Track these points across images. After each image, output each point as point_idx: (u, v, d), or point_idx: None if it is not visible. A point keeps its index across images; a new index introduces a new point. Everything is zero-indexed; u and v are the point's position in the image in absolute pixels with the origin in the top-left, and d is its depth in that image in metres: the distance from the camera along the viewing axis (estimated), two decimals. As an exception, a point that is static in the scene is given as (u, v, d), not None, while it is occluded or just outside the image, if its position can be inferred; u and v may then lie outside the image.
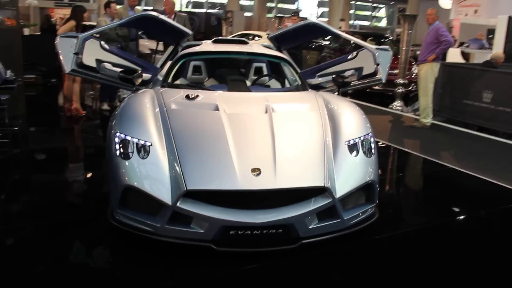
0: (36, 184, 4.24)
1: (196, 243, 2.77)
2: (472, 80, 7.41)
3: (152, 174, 2.86)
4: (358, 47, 4.86)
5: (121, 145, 2.99)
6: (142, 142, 2.98)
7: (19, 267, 2.67)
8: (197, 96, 3.60)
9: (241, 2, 25.17)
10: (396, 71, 8.67)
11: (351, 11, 29.43)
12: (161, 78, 4.29)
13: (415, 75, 9.41)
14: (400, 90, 8.65)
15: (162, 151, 2.94)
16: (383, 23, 33.87)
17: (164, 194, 2.75)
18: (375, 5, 32.93)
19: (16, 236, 3.10)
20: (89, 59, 4.25)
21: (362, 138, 3.25)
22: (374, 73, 4.55)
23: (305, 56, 11.60)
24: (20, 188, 4.07)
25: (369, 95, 9.39)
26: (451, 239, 3.32)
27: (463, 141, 6.54)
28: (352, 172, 3.06)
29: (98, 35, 5.18)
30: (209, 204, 2.74)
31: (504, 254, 3.12)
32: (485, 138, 6.64)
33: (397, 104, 8.63)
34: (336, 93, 4.33)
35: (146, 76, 4.48)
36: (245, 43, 5.03)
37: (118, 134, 3.05)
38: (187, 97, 3.57)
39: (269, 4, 27.20)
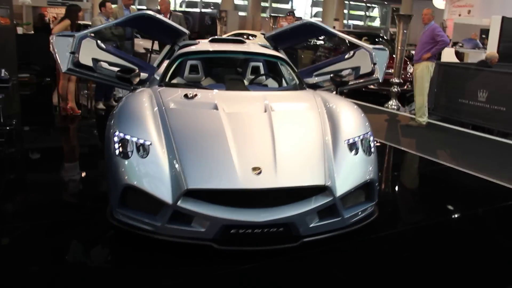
0: (32, 184, 4.21)
1: (197, 242, 2.76)
2: (467, 80, 7.47)
3: (152, 173, 2.84)
4: (354, 47, 4.88)
5: (120, 144, 2.97)
6: (141, 141, 2.96)
7: (17, 267, 2.64)
8: (196, 95, 3.59)
9: (235, 2, 25.15)
10: (391, 70, 8.71)
11: (345, 11, 29.52)
12: (158, 78, 4.27)
13: (410, 75, 9.48)
14: (395, 89, 8.69)
15: (162, 150, 2.93)
16: (376, 23, 34.01)
17: (164, 193, 2.74)
18: (369, 5, 33.07)
19: (12, 236, 3.06)
20: (85, 58, 4.22)
21: (361, 136, 3.25)
22: (371, 73, 4.57)
23: (299, 56, 11.62)
24: (15, 187, 4.03)
25: (364, 94, 9.43)
26: (449, 237, 3.34)
27: (459, 140, 6.58)
28: (352, 171, 3.06)
29: (93, 34, 5.15)
30: (210, 203, 2.73)
31: (500, 251, 3.14)
32: (480, 136, 6.69)
33: (393, 103, 8.68)
34: (334, 92, 4.34)
35: (143, 75, 4.47)
36: (242, 42, 5.02)
37: (117, 133, 3.03)
38: (186, 96, 3.56)
39: (263, 4, 27.22)
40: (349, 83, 4.61)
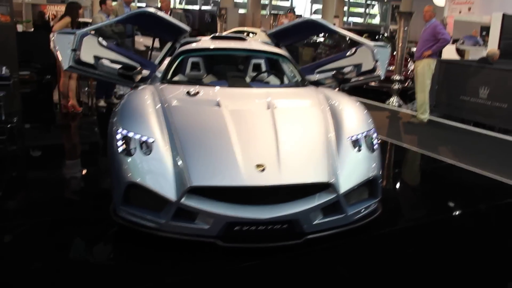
0: (34, 181, 4.20)
1: (201, 239, 2.76)
2: (468, 77, 7.46)
3: (156, 170, 2.84)
4: (354, 44, 4.86)
5: (123, 142, 2.96)
6: (144, 138, 2.96)
7: (19, 264, 2.64)
8: (198, 92, 3.58)
9: (235, -1, 25.07)
10: (392, 68, 8.70)
11: (345, 8, 29.45)
12: (160, 75, 4.26)
13: (410, 72, 9.47)
14: (396, 86, 8.68)
15: (165, 147, 2.92)
16: (376, 20, 33.94)
17: (168, 190, 2.73)
18: (368, 2, 32.99)
19: (14, 234, 3.06)
20: (87, 56, 4.20)
21: (364, 133, 3.25)
22: (373, 70, 4.56)
23: (300, 53, 11.59)
24: (17, 185, 4.02)
25: (364, 91, 9.42)
26: (452, 233, 3.34)
27: (460, 137, 6.57)
28: (355, 168, 3.06)
29: (94, 32, 5.13)
30: (213, 200, 2.73)
31: (502, 248, 3.15)
32: (481, 133, 6.69)
33: (394, 100, 8.67)
34: (336, 89, 4.33)
35: (145, 72, 4.46)
36: (243, 39, 5.01)
37: (120, 130, 3.02)
38: (188, 93, 3.55)
39: (263, 1, 27.14)
40: (351, 80, 4.60)
